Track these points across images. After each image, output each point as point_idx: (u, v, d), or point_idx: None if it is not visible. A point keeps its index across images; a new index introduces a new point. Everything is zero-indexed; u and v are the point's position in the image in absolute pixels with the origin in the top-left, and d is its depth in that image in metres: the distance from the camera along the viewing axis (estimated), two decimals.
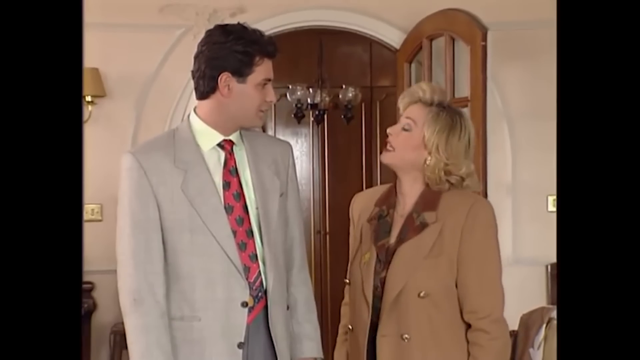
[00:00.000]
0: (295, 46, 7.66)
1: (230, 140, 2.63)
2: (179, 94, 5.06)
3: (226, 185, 2.60)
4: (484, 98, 4.29)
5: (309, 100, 6.82)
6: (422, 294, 2.47)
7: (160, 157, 2.55)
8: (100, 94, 4.84)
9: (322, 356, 2.78)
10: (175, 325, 2.54)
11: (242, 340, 2.53)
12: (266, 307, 2.58)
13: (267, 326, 2.59)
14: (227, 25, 2.60)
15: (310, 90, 6.91)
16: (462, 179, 2.53)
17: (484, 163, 4.27)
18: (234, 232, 2.56)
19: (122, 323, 5.10)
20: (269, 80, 2.58)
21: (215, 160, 2.61)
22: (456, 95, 4.52)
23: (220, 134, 2.62)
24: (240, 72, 2.53)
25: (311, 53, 7.44)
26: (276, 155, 2.71)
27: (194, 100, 4.99)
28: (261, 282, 2.58)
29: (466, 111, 4.48)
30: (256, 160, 2.66)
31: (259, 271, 2.57)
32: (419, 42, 4.80)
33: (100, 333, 4.72)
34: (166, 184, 2.54)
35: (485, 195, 4.27)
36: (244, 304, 2.53)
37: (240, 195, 2.61)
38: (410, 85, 4.96)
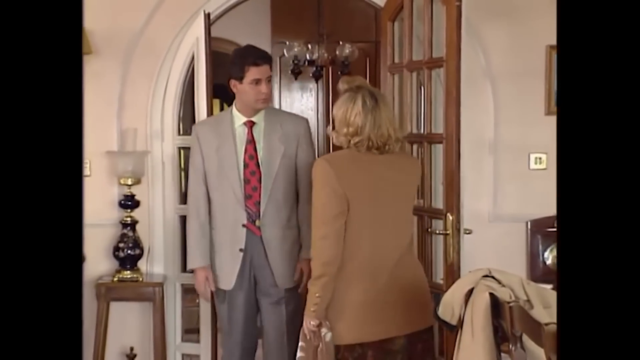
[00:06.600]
0: (300, 2, 7.69)
1: (251, 120, 4.09)
2: (164, 52, 5.04)
3: (245, 150, 4.05)
4: (458, 58, 4.28)
5: (307, 57, 6.86)
6: None
7: (207, 129, 4.17)
8: (86, 52, 4.87)
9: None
10: (211, 232, 4.17)
11: (242, 247, 4.07)
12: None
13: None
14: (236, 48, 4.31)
15: (309, 46, 6.95)
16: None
17: (457, 123, 4.28)
18: (248, 180, 4.04)
19: (109, 275, 5.20)
20: (259, 79, 3.98)
21: (241, 133, 4.09)
22: (434, 56, 4.53)
23: (244, 116, 4.10)
24: (238, 77, 4.00)
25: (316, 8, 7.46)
26: (288, 128, 4.08)
27: (179, 58, 5.07)
28: (259, 210, 4.03)
29: (441, 72, 4.50)
30: (269, 133, 4.06)
31: (258, 202, 4.03)
32: (401, 0, 4.79)
33: (87, 285, 4.83)
34: (208, 146, 4.11)
35: (459, 154, 4.30)
36: (243, 225, 4.05)
37: (254, 157, 4.04)
38: (393, 44, 4.97)
